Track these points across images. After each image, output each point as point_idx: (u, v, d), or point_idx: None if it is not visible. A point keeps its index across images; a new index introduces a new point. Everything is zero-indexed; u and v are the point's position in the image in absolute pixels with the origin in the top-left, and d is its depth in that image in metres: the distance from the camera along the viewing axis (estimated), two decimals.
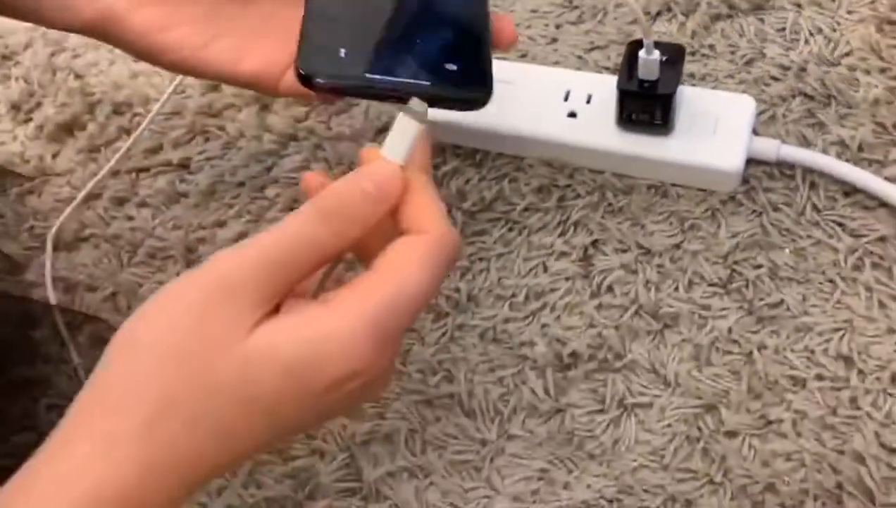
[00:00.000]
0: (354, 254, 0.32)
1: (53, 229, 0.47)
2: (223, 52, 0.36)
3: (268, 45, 0.36)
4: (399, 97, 0.30)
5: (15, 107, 0.52)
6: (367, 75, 0.31)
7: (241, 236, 0.46)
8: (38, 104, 0.52)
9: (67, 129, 0.51)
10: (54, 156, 0.50)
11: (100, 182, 0.48)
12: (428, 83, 0.31)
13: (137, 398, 0.26)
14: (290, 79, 0.35)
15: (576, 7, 0.50)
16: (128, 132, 0.50)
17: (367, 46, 0.32)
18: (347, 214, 0.28)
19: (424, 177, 0.30)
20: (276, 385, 0.27)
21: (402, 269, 0.28)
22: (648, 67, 0.39)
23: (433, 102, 0.30)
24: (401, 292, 0.27)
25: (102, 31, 0.36)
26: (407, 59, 0.32)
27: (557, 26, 0.50)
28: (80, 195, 0.48)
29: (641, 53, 0.38)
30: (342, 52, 0.32)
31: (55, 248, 0.47)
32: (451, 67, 0.32)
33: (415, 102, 0.30)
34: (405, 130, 0.29)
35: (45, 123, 0.51)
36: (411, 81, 0.31)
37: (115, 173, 0.49)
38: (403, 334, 0.30)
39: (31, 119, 0.52)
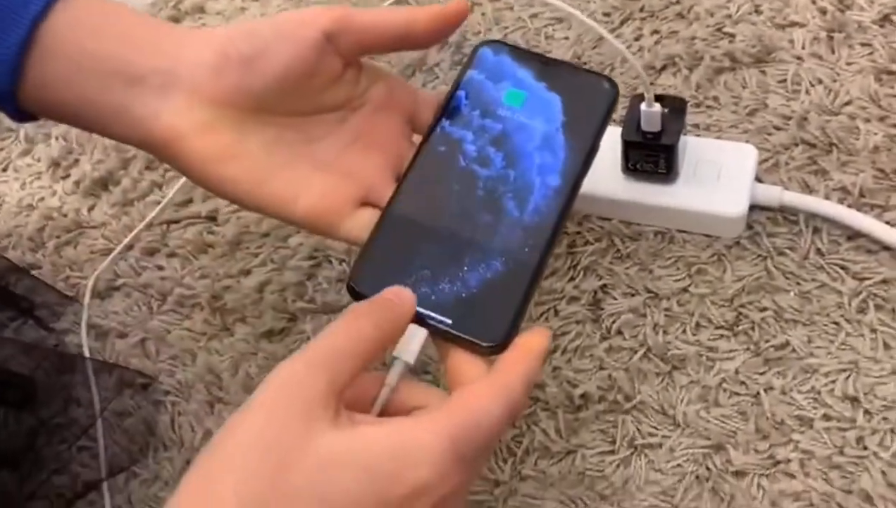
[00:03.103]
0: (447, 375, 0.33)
1: (91, 279, 0.50)
2: (282, 188, 0.35)
3: (329, 185, 0.35)
4: (426, 325, 0.32)
5: (55, 164, 0.55)
6: None
7: (265, 284, 0.48)
8: (76, 161, 0.55)
9: (103, 184, 0.54)
10: (90, 209, 0.53)
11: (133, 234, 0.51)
12: (449, 321, 0.32)
13: (221, 503, 0.26)
14: (352, 224, 0.35)
15: (584, 63, 0.52)
16: (160, 186, 0.53)
17: (415, 274, 0.33)
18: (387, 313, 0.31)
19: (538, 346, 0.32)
20: (357, 488, 0.27)
21: (483, 404, 0.29)
22: (650, 119, 0.41)
23: (447, 339, 0.32)
24: (480, 421, 0.29)
25: (162, 150, 0.34)
26: (440, 294, 0.33)
27: None
28: (119, 247, 0.50)
29: (643, 106, 0.40)
30: (391, 275, 0.33)
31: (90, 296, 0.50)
32: (477, 313, 0.32)
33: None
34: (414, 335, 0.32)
35: (83, 179, 0.54)
36: (434, 314, 0.32)
37: (147, 226, 0.51)
38: (478, 465, 0.31)
39: (69, 175, 0.55)
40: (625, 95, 0.50)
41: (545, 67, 0.38)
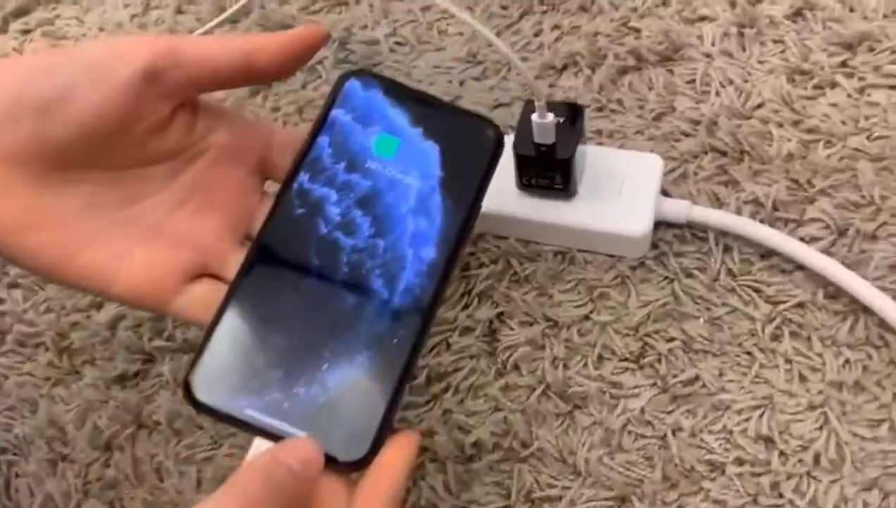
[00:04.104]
0: None
1: None
2: (97, 261, 0.28)
3: (156, 256, 0.29)
4: (277, 438, 0.27)
5: None
6: (247, 410, 0.27)
7: (118, 319, 0.42)
8: None
9: None
10: None
11: None
12: (303, 434, 0.27)
13: None
14: (184, 302, 0.29)
15: (479, 63, 0.47)
16: None
17: (261, 376, 0.28)
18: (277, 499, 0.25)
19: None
20: None
21: None
22: (543, 131, 0.36)
23: None
24: None
25: None
26: (293, 400, 0.27)
27: (461, 83, 0.47)
28: None
29: (534, 117, 0.36)
30: (235, 379, 0.28)
31: None
32: (336, 424, 0.27)
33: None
34: None
35: None
36: (286, 426, 0.27)
37: None
38: None
39: None
40: (525, 98, 0.45)
41: (422, 107, 0.31)
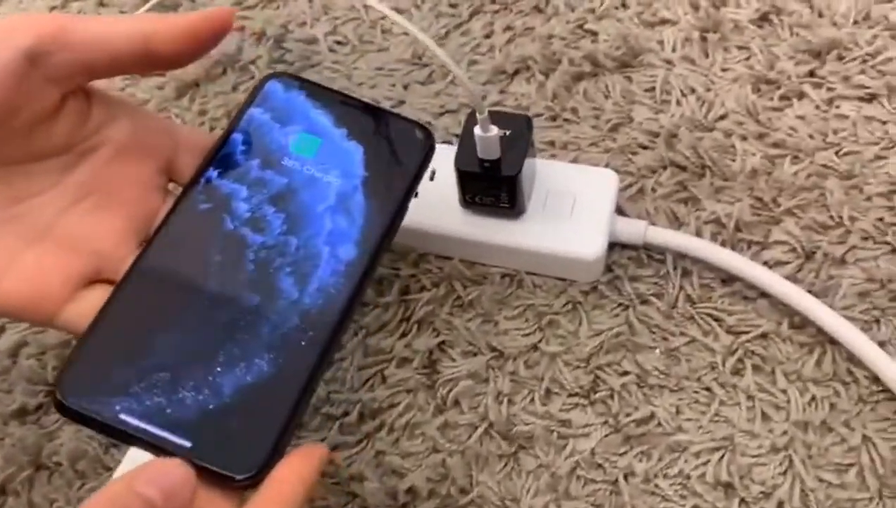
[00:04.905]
0: None
1: None
2: None
3: (44, 260, 0.26)
4: (157, 449, 0.24)
5: None
6: (122, 415, 0.24)
7: (20, 345, 0.38)
8: None
9: None
10: None
11: None
12: (188, 444, 0.24)
13: None
14: (74, 311, 0.26)
15: (426, 65, 0.44)
16: None
17: (143, 378, 0.24)
18: None
19: None
20: None
21: None
22: (487, 146, 0.33)
23: (191, 463, 0.23)
24: None
25: None
26: (178, 406, 0.24)
27: (405, 86, 0.43)
28: None
29: (477, 130, 0.32)
30: (112, 377, 0.24)
31: None
32: (227, 435, 0.24)
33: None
34: None
35: None
36: (167, 434, 0.24)
37: None
38: None
39: None
40: (470, 106, 0.42)
41: (346, 109, 0.30)
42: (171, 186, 0.30)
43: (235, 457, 0.23)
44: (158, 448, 0.24)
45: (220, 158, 0.28)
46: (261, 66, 0.45)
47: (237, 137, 0.29)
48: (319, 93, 0.30)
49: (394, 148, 0.29)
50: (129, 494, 0.22)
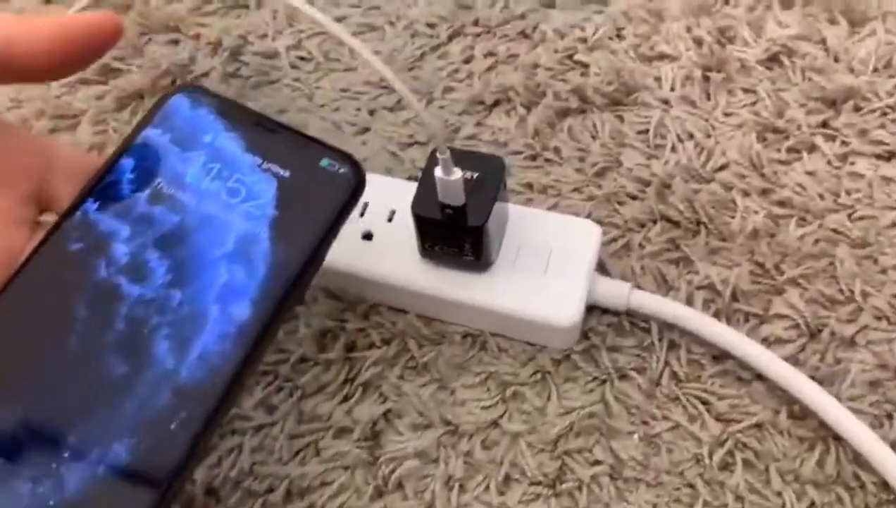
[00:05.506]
0: None
1: None
2: None
3: None
4: None
5: None
6: None
7: None
8: None
9: None
10: None
11: None
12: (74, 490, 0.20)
13: None
14: None
15: (395, 90, 0.39)
16: None
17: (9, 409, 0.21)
18: None
19: None
20: None
21: None
22: (449, 191, 0.28)
23: None
24: None
25: None
26: (15, 500, 0.20)
27: (371, 112, 0.39)
28: None
29: (438, 172, 0.28)
30: None
31: None
32: (116, 474, 0.20)
33: None
34: None
35: None
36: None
37: None
38: None
39: None
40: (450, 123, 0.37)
41: (263, 133, 0.25)
42: (45, 217, 0.25)
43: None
44: None
45: (102, 187, 0.24)
46: (214, 79, 0.41)
47: (125, 162, 0.24)
48: (233, 112, 0.25)
49: (314, 183, 0.25)
50: None
